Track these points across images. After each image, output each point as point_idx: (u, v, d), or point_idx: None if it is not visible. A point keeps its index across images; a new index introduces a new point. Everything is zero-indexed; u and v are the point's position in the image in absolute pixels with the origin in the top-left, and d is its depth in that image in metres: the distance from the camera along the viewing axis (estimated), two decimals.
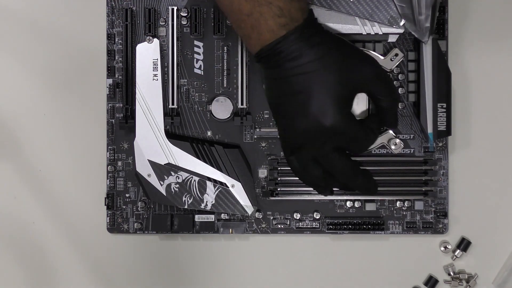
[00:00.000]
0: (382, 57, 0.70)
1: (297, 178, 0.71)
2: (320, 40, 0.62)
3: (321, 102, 0.62)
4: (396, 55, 0.70)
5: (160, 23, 0.71)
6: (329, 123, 0.62)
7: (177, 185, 0.69)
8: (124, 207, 0.72)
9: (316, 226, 0.72)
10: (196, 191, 0.69)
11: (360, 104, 0.70)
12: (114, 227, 0.72)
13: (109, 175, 0.72)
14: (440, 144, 0.71)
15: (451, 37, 0.71)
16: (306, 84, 0.61)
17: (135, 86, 0.70)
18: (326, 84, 0.61)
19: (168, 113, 0.71)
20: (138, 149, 0.69)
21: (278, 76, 0.62)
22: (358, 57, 0.64)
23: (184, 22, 0.71)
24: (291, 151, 0.64)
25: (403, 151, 0.71)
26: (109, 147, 0.71)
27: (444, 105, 0.69)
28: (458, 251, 0.72)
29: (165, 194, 0.69)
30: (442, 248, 0.72)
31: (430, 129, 0.69)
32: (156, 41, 0.70)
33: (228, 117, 0.71)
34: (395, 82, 0.71)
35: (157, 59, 0.70)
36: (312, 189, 0.70)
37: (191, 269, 0.73)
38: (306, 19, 0.62)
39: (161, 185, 0.69)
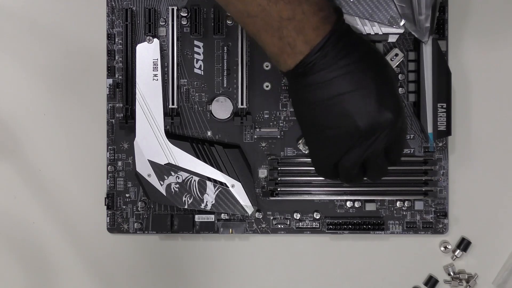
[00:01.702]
0: None
1: (297, 178, 0.71)
2: (358, 39, 0.61)
3: (380, 96, 0.59)
4: (396, 55, 0.70)
5: (160, 23, 0.71)
6: (389, 115, 0.59)
7: (177, 185, 0.69)
8: (124, 207, 0.72)
9: (316, 226, 0.72)
10: (196, 191, 0.69)
11: None
12: (114, 227, 0.72)
13: (109, 175, 0.72)
14: (440, 144, 0.71)
15: (451, 37, 0.71)
16: (362, 81, 0.59)
17: (135, 86, 0.70)
18: (380, 79, 0.59)
19: (168, 113, 0.71)
20: (138, 149, 0.69)
21: (330, 76, 0.59)
22: (389, 82, 0.62)
23: (184, 22, 0.71)
24: (335, 160, 0.62)
25: (403, 151, 0.71)
26: (109, 147, 0.72)
27: (444, 105, 0.69)
28: (458, 251, 0.72)
29: (165, 194, 0.69)
30: (442, 248, 0.72)
31: (430, 129, 0.69)
32: (156, 41, 0.70)
33: (228, 117, 0.71)
34: None
35: (157, 59, 0.70)
36: (312, 189, 0.71)
37: (191, 269, 0.73)
38: (338, 13, 0.60)
39: (161, 185, 0.69)
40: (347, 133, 0.60)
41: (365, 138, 0.60)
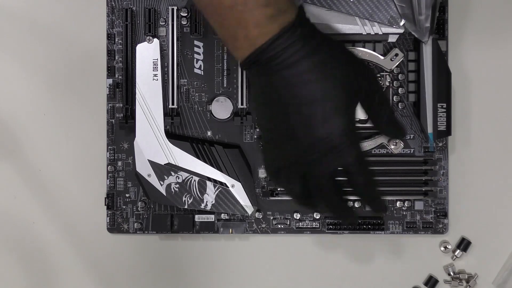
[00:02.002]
0: (382, 57, 0.70)
1: None
2: (317, 44, 0.57)
3: (328, 113, 0.56)
4: (396, 55, 0.70)
5: (160, 23, 0.71)
6: (338, 136, 0.56)
7: (177, 185, 0.69)
8: (124, 207, 0.72)
9: (316, 226, 0.72)
10: (196, 191, 0.69)
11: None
12: (114, 227, 0.72)
13: (109, 175, 0.72)
14: (440, 144, 0.71)
15: (451, 37, 0.71)
16: (309, 95, 0.55)
17: (135, 86, 0.70)
18: (330, 94, 0.56)
19: (168, 113, 0.71)
20: (138, 149, 0.69)
21: (273, 85, 0.56)
22: (354, 64, 0.59)
23: (184, 22, 0.71)
24: (278, 168, 0.60)
25: (403, 151, 0.71)
26: (109, 147, 0.72)
27: (444, 105, 0.69)
28: (458, 251, 0.72)
29: (165, 194, 0.69)
30: (442, 248, 0.72)
31: (430, 129, 0.69)
32: (156, 41, 0.70)
33: (228, 117, 0.71)
34: (395, 82, 0.71)
35: (157, 59, 0.70)
36: None
37: (191, 269, 0.73)
38: (297, 14, 0.56)
39: (161, 185, 0.69)
40: (297, 145, 0.57)
41: (304, 152, 0.57)
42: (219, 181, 0.70)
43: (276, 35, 0.55)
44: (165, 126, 0.70)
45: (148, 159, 0.69)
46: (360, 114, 0.70)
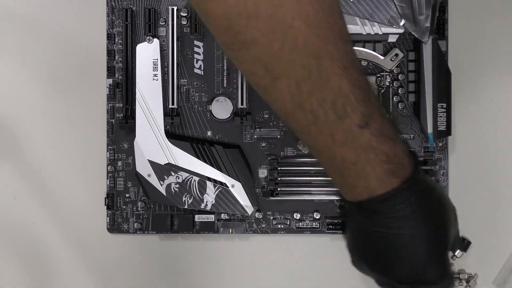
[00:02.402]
0: (382, 57, 0.70)
1: (297, 178, 0.71)
2: (430, 202, 0.59)
3: (428, 258, 0.58)
4: (396, 55, 0.70)
5: (160, 23, 0.71)
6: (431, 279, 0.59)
7: (177, 185, 0.69)
8: (124, 207, 0.72)
9: (316, 226, 0.72)
10: (196, 191, 0.69)
11: None
12: (114, 227, 0.72)
13: (109, 175, 0.72)
14: (440, 144, 0.71)
15: (451, 37, 0.71)
16: (410, 240, 0.58)
17: (135, 86, 0.70)
18: (430, 239, 0.58)
19: (168, 113, 0.71)
20: (138, 149, 0.69)
21: (380, 228, 0.58)
22: (453, 221, 0.62)
23: (184, 22, 0.71)
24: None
25: None
26: (109, 147, 0.72)
27: (444, 105, 0.69)
28: (458, 251, 0.72)
29: (165, 194, 0.69)
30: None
31: (430, 129, 0.69)
32: (156, 41, 0.70)
33: (228, 117, 0.71)
34: (395, 82, 0.71)
35: (157, 59, 0.70)
36: (312, 189, 0.71)
37: (191, 269, 0.73)
38: (415, 168, 0.58)
39: (161, 185, 0.69)
40: (387, 276, 0.60)
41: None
42: (219, 181, 0.70)
43: (396, 189, 0.57)
44: (165, 126, 0.70)
45: (148, 159, 0.69)
46: None
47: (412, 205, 0.57)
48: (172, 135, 0.71)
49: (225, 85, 0.71)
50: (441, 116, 0.69)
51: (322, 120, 0.55)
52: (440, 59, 0.69)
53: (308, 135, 0.57)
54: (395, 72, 0.71)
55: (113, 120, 0.71)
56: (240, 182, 0.70)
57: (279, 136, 0.71)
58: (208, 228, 0.71)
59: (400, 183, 0.57)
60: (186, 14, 0.70)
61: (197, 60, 0.71)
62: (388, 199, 0.57)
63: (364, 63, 0.70)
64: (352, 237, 0.62)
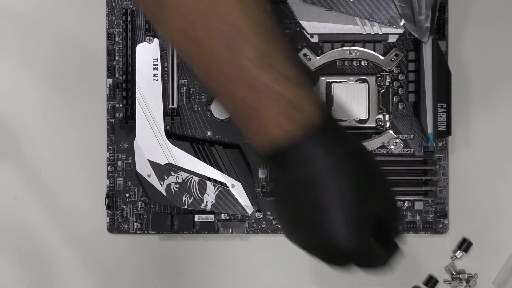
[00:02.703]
0: (382, 57, 0.70)
1: None
2: (344, 155, 0.53)
3: (338, 221, 0.52)
4: (396, 55, 0.70)
5: None
6: (342, 246, 0.53)
7: (177, 185, 0.69)
8: (124, 207, 0.72)
9: None
10: (196, 191, 0.69)
11: (360, 105, 0.70)
12: (114, 227, 0.72)
13: (109, 175, 0.72)
14: (440, 144, 0.71)
15: (451, 37, 0.71)
16: (320, 200, 0.52)
17: (135, 86, 0.70)
18: (345, 203, 0.52)
19: (168, 113, 0.71)
20: (138, 149, 0.69)
21: (289, 183, 0.53)
22: (375, 183, 0.55)
23: None
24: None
25: (403, 151, 0.71)
26: (109, 147, 0.71)
27: (444, 105, 0.69)
28: (459, 251, 0.72)
29: (165, 194, 0.69)
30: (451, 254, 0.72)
31: (430, 129, 0.69)
32: (156, 41, 0.70)
33: (228, 117, 0.71)
34: (395, 82, 0.71)
35: (157, 59, 0.70)
36: None
37: (191, 269, 0.72)
38: (323, 118, 0.52)
39: (161, 185, 0.69)
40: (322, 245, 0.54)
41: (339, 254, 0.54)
42: (219, 181, 0.70)
43: (299, 139, 0.52)
44: (165, 126, 0.70)
45: (148, 159, 0.69)
46: (360, 114, 0.70)
47: (318, 159, 0.51)
48: (172, 135, 0.70)
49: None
50: (441, 116, 0.69)
51: (217, 56, 0.51)
52: (440, 59, 0.69)
53: (209, 76, 0.53)
54: (395, 72, 0.71)
55: (113, 120, 0.71)
56: (240, 182, 0.70)
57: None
58: (208, 228, 0.71)
59: (304, 133, 0.51)
60: None
61: None
62: (290, 151, 0.51)
63: (364, 63, 0.70)
64: (274, 201, 0.56)
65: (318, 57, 0.70)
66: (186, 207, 0.70)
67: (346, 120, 0.70)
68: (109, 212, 0.72)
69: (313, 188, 0.52)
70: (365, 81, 0.70)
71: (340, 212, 0.52)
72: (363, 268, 0.57)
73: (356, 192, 0.53)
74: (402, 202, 0.71)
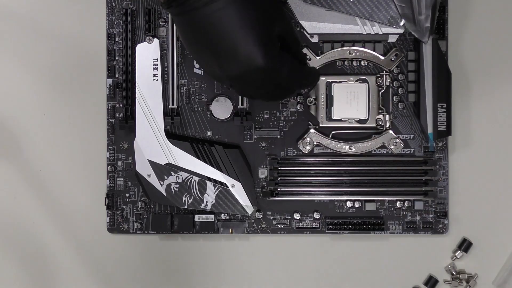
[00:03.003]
0: (382, 57, 0.70)
1: (297, 178, 0.71)
2: None
3: (249, 44, 0.59)
4: (396, 55, 0.70)
5: (160, 23, 0.71)
6: (260, 65, 0.59)
7: (177, 185, 0.69)
8: (124, 207, 0.72)
9: (316, 226, 0.72)
10: (196, 191, 0.69)
11: (360, 105, 0.70)
12: (114, 227, 0.72)
13: (109, 175, 0.72)
14: (440, 144, 0.71)
15: (451, 37, 0.71)
16: (228, 28, 0.59)
17: (135, 86, 0.70)
18: (248, 24, 0.59)
19: (168, 113, 0.71)
20: (138, 149, 0.69)
21: (193, 22, 0.59)
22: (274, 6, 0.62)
23: None
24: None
25: (403, 151, 0.71)
26: (109, 147, 0.72)
27: (444, 105, 0.69)
28: (459, 251, 0.72)
29: (165, 194, 0.69)
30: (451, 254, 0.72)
31: (430, 129, 0.69)
32: (156, 41, 0.70)
33: (228, 117, 0.71)
34: (395, 82, 0.71)
35: (157, 59, 0.70)
36: (312, 189, 0.71)
37: (191, 269, 0.73)
38: None
39: (161, 185, 0.69)
40: (219, 75, 0.61)
41: (236, 82, 0.61)
42: (219, 181, 0.70)
43: None
44: (165, 126, 0.70)
45: (148, 159, 0.69)
46: (360, 114, 0.70)
47: None
48: (172, 135, 0.71)
49: (225, 85, 0.71)
50: (441, 116, 0.69)
51: None
52: (440, 59, 0.69)
53: None
54: (395, 72, 0.71)
55: (113, 120, 0.71)
56: (240, 182, 0.70)
57: (279, 136, 0.71)
58: (208, 228, 0.71)
59: None
60: None
61: None
62: None
63: (364, 63, 0.71)
64: (186, 44, 0.62)
65: (318, 57, 0.70)
66: (186, 207, 0.70)
67: (346, 121, 0.70)
68: (109, 212, 0.72)
69: (215, 19, 0.58)
70: (365, 81, 0.70)
71: (252, 32, 0.59)
72: (288, 87, 0.63)
73: (260, 13, 0.59)
74: (402, 202, 0.71)
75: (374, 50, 0.70)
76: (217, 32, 0.59)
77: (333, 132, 0.71)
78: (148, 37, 0.70)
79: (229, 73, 0.60)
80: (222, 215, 0.71)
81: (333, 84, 0.70)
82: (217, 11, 0.58)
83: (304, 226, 0.72)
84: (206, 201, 0.70)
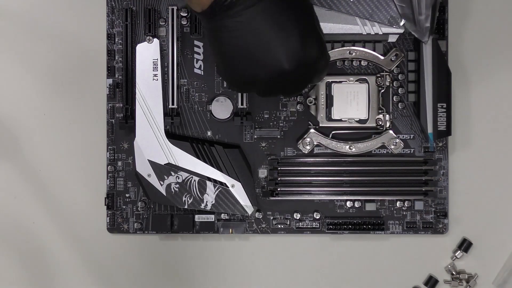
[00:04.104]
0: (382, 57, 0.70)
1: (297, 178, 0.71)
2: None
3: (303, 35, 0.60)
4: (396, 55, 0.70)
5: (160, 23, 0.71)
6: (314, 52, 0.60)
7: (177, 185, 0.69)
8: (124, 207, 0.72)
9: (316, 226, 0.72)
10: (196, 191, 0.69)
11: (360, 105, 0.70)
12: (114, 227, 0.72)
13: (109, 175, 0.72)
14: (440, 144, 0.71)
15: (451, 37, 0.71)
16: (278, 23, 0.59)
17: (135, 86, 0.70)
18: (298, 15, 0.60)
19: (168, 113, 0.71)
20: (138, 149, 0.69)
21: (240, 24, 0.59)
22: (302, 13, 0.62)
23: (184, 22, 0.71)
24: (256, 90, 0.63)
25: (403, 151, 0.71)
26: (109, 147, 0.72)
27: (444, 105, 0.69)
28: (459, 251, 0.72)
29: (165, 194, 0.69)
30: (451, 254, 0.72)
31: (430, 129, 0.69)
32: (156, 41, 0.70)
33: (228, 117, 0.71)
34: (395, 82, 0.71)
35: (157, 59, 0.70)
36: (312, 189, 0.71)
37: (191, 269, 0.73)
38: None
39: (161, 185, 0.69)
40: (274, 74, 0.60)
41: (291, 76, 0.60)
42: (219, 181, 0.70)
43: None
44: (165, 126, 0.70)
45: (148, 159, 0.69)
46: (360, 114, 0.70)
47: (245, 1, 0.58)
48: (172, 135, 0.71)
49: (225, 85, 0.71)
50: (441, 116, 0.69)
51: None
52: (440, 59, 0.69)
53: None
54: (395, 72, 0.71)
55: (113, 120, 0.71)
56: (240, 182, 0.70)
57: (279, 136, 0.71)
58: (208, 228, 0.71)
59: None
60: (186, 14, 0.70)
61: (197, 60, 0.71)
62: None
63: (364, 63, 0.71)
64: (217, 54, 0.62)
65: None
66: (186, 207, 0.70)
67: (346, 121, 0.70)
68: (109, 212, 0.72)
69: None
70: (365, 81, 0.70)
71: (299, 26, 0.59)
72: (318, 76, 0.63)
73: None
74: (402, 202, 0.71)
75: (374, 50, 0.70)
76: (270, 28, 0.59)
77: (333, 132, 0.71)
78: (148, 37, 0.70)
79: (288, 66, 0.59)
80: (222, 215, 0.71)
81: (333, 84, 0.70)
82: (267, 8, 0.58)
83: (304, 226, 0.72)
84: (206, 201, 0.70)
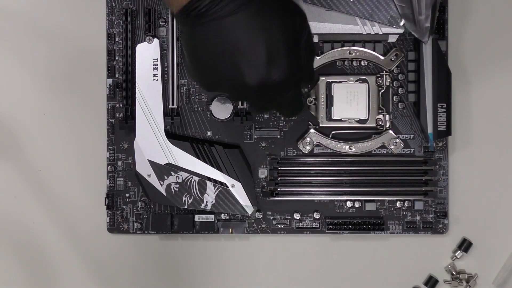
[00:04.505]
0: (382, 57, 0.70)
1: (297, 178, 0.71)
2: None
3: (271, 54, 0.57)
4: (396, 55, 0.70)
5: (160, 23, 0.71)
6: (277, 76, 0.58)
7: (177, 185, 0.69)
8: (124, 207, 0.72)
9: (316, 226, 0.72)
10: (196, 191, 0.69)
11: (360, 105, 0.70)
12: (114, 227, 0.72)
13: (109, 175, 0.72)
14: (440, 144, 0.71)
15: (451, 37, 0.71)
16: (252, 39, 0.57)
17: (135, 86, 0.70)
18: (273, 35, 0.57)
19: (168, 113, 0.71)
20: (138, 149, 0.69)
21: (213, 32, 0.57)
22: (290, 18, 0.60)
23: None
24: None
25: (403, 151, 0.71)
26: (109, 147, 0.72)
27: (444, 105, 0.69)
28: (459, 251, 0.72)
29: (165, 194, 0.69)
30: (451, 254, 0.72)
31: (430, 129, 0.69)
32: (156, 41, 0.70)
33: (228, 117, 0.71)
34: (395, 82, 0.71)
35: (157, 59, 0.70)
36: (312, 189, 0.71)
37: (191, 269, 0.73)
38: None
39: (161, 185, 0.69)
40: (236, 87, 0.59)
41: (253, 93, 0.59)
42: (219, 181, 0.70)
43: None
44: (165, 126, 0.70)
45: (148, 159, 0.69)
46: (360, 114, 0.70)
47: (227, 5, 0.56)
48: (172, 135, 0.71)
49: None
50: (441, 116, 0.69)
51: None
52: (440, 59, 0.69)
53: None
54: (395, 72, 0.71)
55: (113, 120, 0.71)
56: (240, 182, 0.70)
57: (279, 136, 0.71)
58: (208, 228, 0.71)
59: None
60: None
61: None
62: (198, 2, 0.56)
63: (364, 63, 0.71)
64: (192, 59, 0.60)
65: (318, 57, 0.70)
66: (186, 207, 0.70)
67: (346, 121, 0.70)
68: (109, 212, 0.72)
69: (242, 29, 0.57)
70: (365, 81, 0.70)
71: (279, 43, 0.57)
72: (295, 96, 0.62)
73: (285, 23, 0.58)
74: (402, 202, 0.71)
75: (374, 50, 0.70)
76: (238, 42, 0.57)
77: (333, 132, 0.71)
78: (148, 37, 0.70)
79: (249, 83, 0.58)
80: (222, 215, 0.71)
81: (333, 84, 0.70)
82: (240, 21, 0.57)
83: (304, 226, 0.72)
84: (206, 201, 0.70)
